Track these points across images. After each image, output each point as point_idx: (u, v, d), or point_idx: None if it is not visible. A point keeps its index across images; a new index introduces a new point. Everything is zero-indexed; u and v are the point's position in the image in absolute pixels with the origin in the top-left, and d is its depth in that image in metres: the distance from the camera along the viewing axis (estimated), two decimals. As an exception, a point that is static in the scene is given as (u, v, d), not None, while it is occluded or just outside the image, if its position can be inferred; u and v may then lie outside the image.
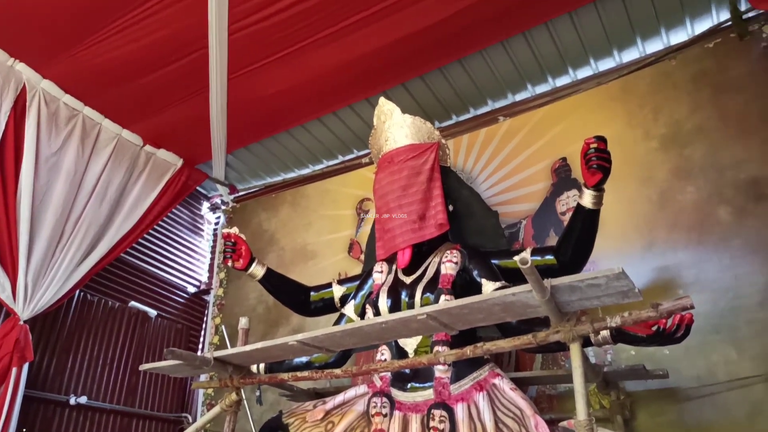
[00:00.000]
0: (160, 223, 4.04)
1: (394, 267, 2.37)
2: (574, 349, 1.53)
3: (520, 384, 2.20)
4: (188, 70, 3.05)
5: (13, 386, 2.59)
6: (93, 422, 3.28)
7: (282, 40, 2.87)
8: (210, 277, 4.31)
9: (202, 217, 4.52)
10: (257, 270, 2.57)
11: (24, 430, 2.87)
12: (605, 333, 1.83)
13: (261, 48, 2.93)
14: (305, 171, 4.11)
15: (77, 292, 3.32)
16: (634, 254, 2.58)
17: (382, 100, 2.55)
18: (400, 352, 2.16)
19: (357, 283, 2.54)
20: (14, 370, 2.62)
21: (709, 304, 2.32)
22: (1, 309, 2.88)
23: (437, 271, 2.23)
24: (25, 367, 2.72)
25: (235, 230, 2.58)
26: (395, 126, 2.47)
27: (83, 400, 3.19)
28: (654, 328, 1.72)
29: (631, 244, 2.60)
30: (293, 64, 3.02)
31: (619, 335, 1.79)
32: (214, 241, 4.46)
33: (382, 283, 2.33)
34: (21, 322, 2.76)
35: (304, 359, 2.45)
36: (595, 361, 2.45)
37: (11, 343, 2.63)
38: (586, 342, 1.87)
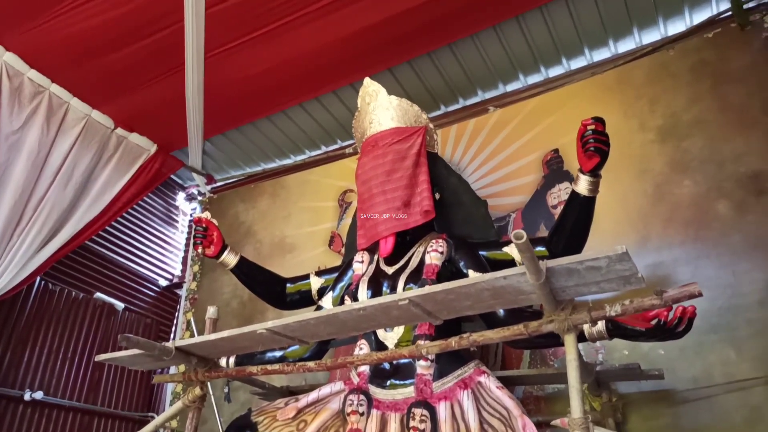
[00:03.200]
0: (132, 212, 3.85)
1: (375, 257, 2.24)
2: (569, 341, 1.39)
3: (507, 384, 2.05)
4: (163, 46, 2.89)
5: (-40, 378, 2.40)
6: (50, 419, 3.07)
7: (263, 15, 2.71)
8: (183, 270, 4.12)
9: (177, 207, 4.33)
10: (229, 258, 2.41)
11: (-29, 426, 2.68)
12: (601, 326, 1.70)
13: (240, 24, 2.77)
14: (286, 161, 3.95)
15: (37, 280, 3.12)
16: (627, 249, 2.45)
17: (367, 80, 2.42)
18: (380, 347, 2.02)
19: (336, 274, 2.39)
20: (-39, 360, 2.42)
21: (706, 303, 2.19)
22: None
23: (421, 261, 2.10)
24: (-25, 357, 2.52)
25: (207, 215, 2.42)
26: (380, 108, 2.34)
27: (39, 395, 2.98)
28: (653, 322, 1.60)
29: (625, 239, 2.47)
30: (275, 44, 2.86)
31: (616, 329, 1.67)
32: (189, 232, 4.28)
33: (363, 274, 2.19)
34: (-29, 309, 2.56)
35: (277, 354, 2.30)
36: (585, 360, 2.31)
37: (-42, 330, 2.44)
38: (580, 337, 1.75)
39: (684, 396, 2.14)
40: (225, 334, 1.69)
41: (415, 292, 1.39)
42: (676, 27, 2.82)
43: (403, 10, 2.69)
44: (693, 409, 2.11)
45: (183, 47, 2.86)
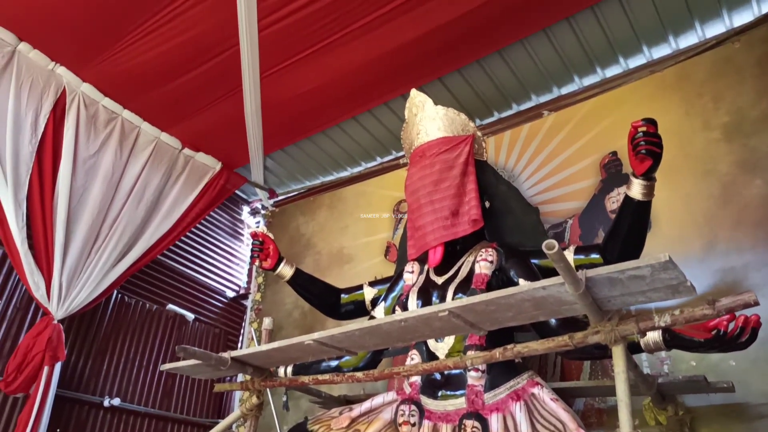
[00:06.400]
0: (200, 226, 4.04)
1: (425, 267, 2.24)
2: (617, 353, 1.34)
3: (565, 396, 2.00)
4: (221, 69, 3.03)
5: (44, 385, 2.59)
6: (127, 424, 3.27)
7: (312, 34, 2.80)
8: (248, 282, 4.27)
9: (242, 221, 4.50)
10: (285, 270, 2.50)
11: (58, 430, 2.88)
12: (656, 337, 1.63)
13: (291, 44, 2.87)
14: (343, 173, 4.02)
15: (114, 293, 3.34)
16: (692, 255, 2.33)
17: (413, 91, 2.43)
18: (430, 357, 2.02)
19: (389, 285, 2.41)
20: (46, 369, 2.62)
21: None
22: (36, 308, 2.91)
23: (471, 271, 2.08)
24: (58, 366, 2.73)
25: (262, 229, 2.52)
26: (427, 118, 2.35)
27: (117, 402, 3.18)
28: (713, 332, 1.51)
29: (690, 245, 2.35)
30: (325, 60, 2.94)
31: (673, 339, 1.59)
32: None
33: (413, 284, 2.20)
34: (55, 321, 2.77)
35: (332, 364, 2.35)
36: (649, 372, 2.21)
37: (44, 341, 2.64)
38: (635, 348, 1.67)
39: (759, 411, 1.99)
40: (275, 345, 1.75)
41: (455, 303, 1.39)
42: (743, 18, 2.65)
43: (450, 19, 2.69)
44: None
45: (240, 69, 2.99)
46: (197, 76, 3.08)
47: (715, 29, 2.74)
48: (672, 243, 2.36)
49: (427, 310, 1.42)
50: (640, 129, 1.67)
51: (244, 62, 2.94)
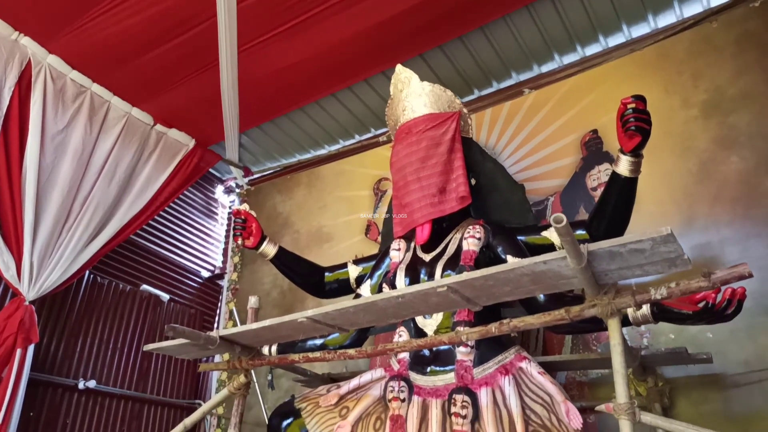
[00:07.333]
0: (173, 205, 3.94)
1: (412, 244, 2.23)
2: (613, 326, 1.36)
3: (549, 369, 2.03)
4: (197, 43, 2.93)
5: (18, 368, 2.50)
6: (103, 407, 3.19)
7: (293, 7, 2.72)
8: (224, 262, 4.21)
9: (216, 200, 4.41)
10: (269, 248, 2.45)
11: (31, 413, 2.80)
12: (645, 310, 1.66)
13: (271, 17, 2.78)
14: (321, 152, 3.97)
15: (87, 274, 3.24)
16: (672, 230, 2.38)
17: (399, 67, 2.40)
18: (419, 334, 2.02)
19: (374, 262, 2.40)
20: (18, 351, 2.52)
21: (756, 283, 2.08)
22: (6, 290, 2.80)
23: (459, 248, 2.08)
24: (31, 349, 2.63)
25: (245, 207, 2.46)
26: (413, 95, 2.32)
27: (92, 384, 3.10)
28: (701, 305, 1.55)
29: (670, 220, 2.40)
30: (305, 35, 2.87)
31: (661, 312, 1.62)
32: (228, 224, 4.36)
33: (400, 261, 2.19)
34: (26, 303, 2.67)
35: (318, 342, 2.33)
36: (630, 345, 2.27)
37: (15, 323, 2.54)
38: (623, 321, 1.71)
39: (735, 380, 2.07)
40: (267, 323, 1.72)
41: (454, 278, 1.39)
42: (719, -3, 2.70)
43: (434, -6, 2.66)
44: (744, 393, 2.04)
45: (216, 43, 2.90)
46: (171, 49, 2.97)
47: (693, 9, 2.78)
48: (652, 218, 2.41)
49: (425, 285, 1.42)
50: (629, 106, 1.68)
51: (221, 35, 2.85)
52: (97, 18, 2.78)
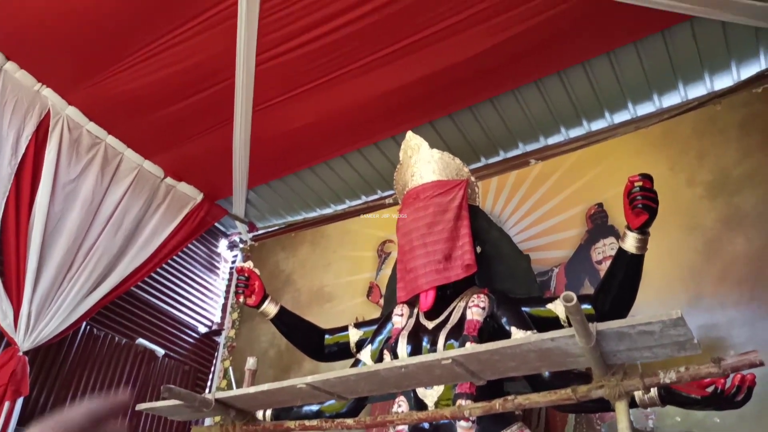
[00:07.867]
0: (175, 258, 3.92)
1: (415, 310, 2.21)
2: (621, 408, 1.32)
3: (552, 448, 1.97)
4: (213, 100, 3.01)
5: (3, 422, 2.42)
6: (88, 465, 3.07)
7: (309, 72, 2.81)
8: (222, 317, 4.15)
9: (218, 254, 4.40)
10: (270, 308, 2.42)
11: (13, 470, 2.69)
12: (653, 392, 1.62)
13: (287, 80, 2.87)
14: (327, 210, 3.99)
15: (83, 325, 3.19)
16: (678, 308, 2.35)
17: (409, 134, 2.46)
18: (418, 405, 1.97)
19: (375, 327, 2.37)
20: (7, 404, 2.45)
21: (765, 368, 2.07)
22: (1, 338, 2.75)
23: (462, 317, 2.06)
24: (19, 401, 2.56)
25: (249, 264, 2.45)
26: (422, 161, 2.36)
27: (79, 440, 3.00)
28: (710, 390, 1.52)
29: (675, 298, 2.39)
30: (318, 98, 2.95)
31: (669, 396, 1.58)
32: (230, 279, 4.32)
33: (402, 328, 2.16)
34: (20, 353, 2.61)
35: (314, 408, 2.26)
36: (635, 426, 2.20)
37: (7, 375, 2.47)
38: (629, 403, 1.66)
39: (745, 469, 1.99)
40: (265, 387, 1.67)
41: (459, 351, 1.36)
42: (723, 82, 2.78)
43: (445, 66, 2.74)
44: (755, 483, 1.96)
45: (232, 102, 2.97)
46: (188, 105, 3.05)
47: (697, 91, 2.85)
48: (659, 293, 2.39)
49: (429, 357, 1.39)
50: (636, 183, 1.71)
51: (237, 95, 2.92)
52: (119, 74, 2.87)
